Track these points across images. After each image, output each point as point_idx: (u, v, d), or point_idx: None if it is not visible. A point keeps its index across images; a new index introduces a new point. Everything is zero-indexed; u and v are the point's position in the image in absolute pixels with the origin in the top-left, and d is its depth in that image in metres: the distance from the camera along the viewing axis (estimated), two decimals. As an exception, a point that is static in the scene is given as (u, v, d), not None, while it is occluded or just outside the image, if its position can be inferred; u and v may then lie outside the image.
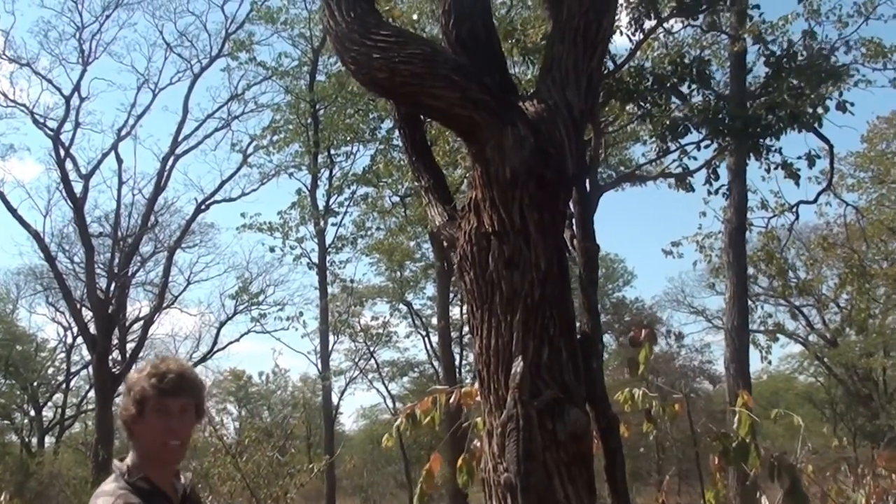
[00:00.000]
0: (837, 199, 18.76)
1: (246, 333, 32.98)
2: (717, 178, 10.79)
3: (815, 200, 15.72)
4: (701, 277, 33.17)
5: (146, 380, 3.11)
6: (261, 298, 28.21)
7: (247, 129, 26.37)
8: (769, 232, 15.66)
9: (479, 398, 4.60)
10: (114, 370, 30.94)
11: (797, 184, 10.08)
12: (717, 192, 11.01)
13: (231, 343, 35.96)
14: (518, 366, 4.29)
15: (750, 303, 16.12)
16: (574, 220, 5.06)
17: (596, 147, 5.02)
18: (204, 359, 35.25)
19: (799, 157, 9.57)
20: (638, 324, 5.36)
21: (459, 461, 4.84)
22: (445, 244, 5.15)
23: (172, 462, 3.21)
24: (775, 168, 9.48)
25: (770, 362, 17.27)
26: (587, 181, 4.88)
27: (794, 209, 15.48)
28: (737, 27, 11.80)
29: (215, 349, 33.85)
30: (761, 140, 8.64)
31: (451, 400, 5.04)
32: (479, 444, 4.70)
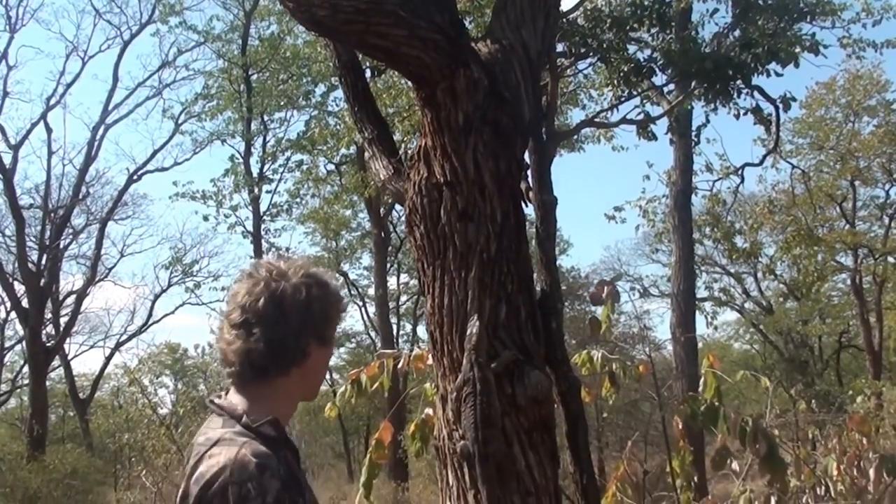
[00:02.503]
0: (784, 160, 18.60)
1: (181, 306, 32.24)
2: (679, 126, 10.49)
3: (762, 162, 15.58)
4: (637, 246, 33.11)
5: (339, 297, 2.37)
6: (195, 269, 27.50)
7: (179, 97, 25.59)
8: (714, 195, 15.52)
9: (430, 362, 4.27)
10: (47, 344, 30.16)
11: (768, 130, 9.81)
12: (695, 136, 10.70)
13: (166, 316, 35.13)
14: (474, 325, 3.96)
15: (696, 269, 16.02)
16: (530, 171, 4.73)
17: (553, 92, 4.69)
18: (139, 332, 34.47)
19: (773, 101, 9.24)
20: (601, 282, 5.14)
21: (412, 427, 4.50)
22: (391, 199, 4.79)
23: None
24: (745, 113, 9.20)
25: (716, 328, 17.20)
26: (544, 129, 4.54)
27: (739, 172, 15.34)
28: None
29: (150, 322, 33.10)
30: (732, 83, 8.34)
31: (400, 364, 4.70)
32: (430, 412, 4.38)
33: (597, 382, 5.08)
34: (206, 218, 21.46)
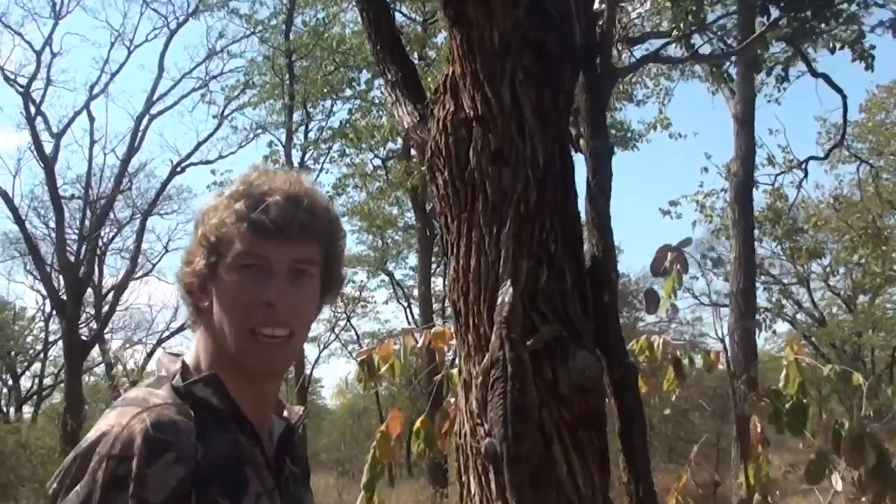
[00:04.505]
0: (850, 154, 17.46)
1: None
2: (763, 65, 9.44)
3: (827, 156, 14.63)
4: (687, 254, 31.92)
5: (229, 205, 1.69)
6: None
7: (225, 89, 25.05)
8: (776, 190, 14.52)
9: (453, 340, 3.45)
10: (84, 338, 29.78)
11: (870, 67, 8.79)
12: (782, 74, 9.70)
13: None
14: (506, 293, 3.14)
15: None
16: (580, 113, 3.90)
17: (610, 19, 3.83)
18: (181, 329, 33.94)
19: (839, 90, 8.27)
20: (664, 247, 4.32)
21: (417, 422, 3.66)
22: (415, 149, 3.95)
23: (267, 367, 1.68)
24: (841, 48, 8.23)
25: (775, 332, 16.11)
26: (598, 62, 3.70)
27: (803, 166, 14.36)
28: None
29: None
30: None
31: (420, 343, 3.86)
32: (453, 401, 3.55)
33: (657, 374, 4.22)
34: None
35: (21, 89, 27.96)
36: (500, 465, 3.01)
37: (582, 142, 3.89)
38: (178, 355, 1.72)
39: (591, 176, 3.77)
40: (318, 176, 21.34)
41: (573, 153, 3.69)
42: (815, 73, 14.61)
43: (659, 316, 3.80)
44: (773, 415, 3.74)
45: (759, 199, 15.21)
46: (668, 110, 15.98)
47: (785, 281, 30.51)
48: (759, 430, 4.04)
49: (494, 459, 3.04)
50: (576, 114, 4.06)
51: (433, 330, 3.83)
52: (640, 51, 17.11)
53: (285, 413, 1.81)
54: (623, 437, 3.51)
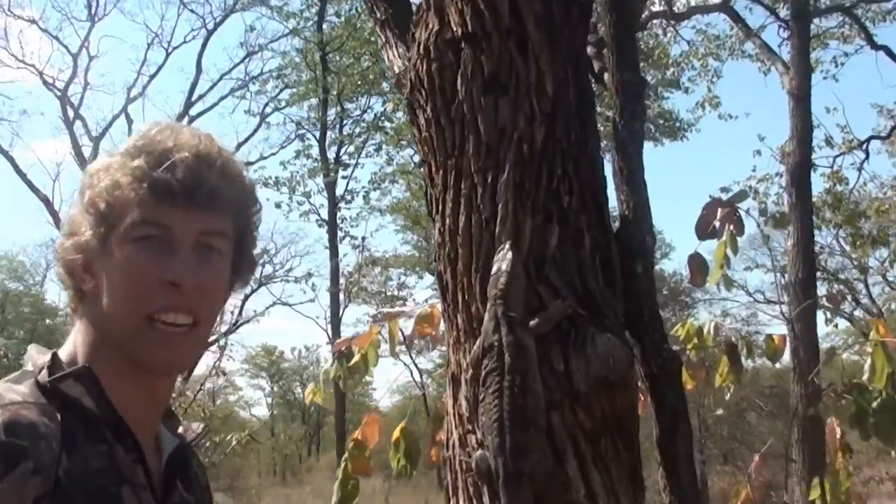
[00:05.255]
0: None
1: (271, 306, 31.03)
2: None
3: (890, 135, 13.58)
4: (741, 249, 30.62)
5: (124, 163, 1.40)
6: (265, 258, 26.20)
7: (265, 91, 24.47)
8: (835, 173, 13.52)
9: (443, 325, 2.69)
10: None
11: None
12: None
13: (257, 315, 34.02)
14: (504, 259, 2.38)
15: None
16: (604, 43, 3.12)
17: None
18: (227, 333, 33.41)
19: None
20: (713, 203, 3.58)
21: (396, 430, 2.87)
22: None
23: (166, 362, 1.41)
24: None
25: (836, 325, 15.08)
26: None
27: (864, 146, 13.36)
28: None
29: (240, 323, 32.02)
30: None
31: (410, 330, 3.08)
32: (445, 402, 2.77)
33: (705, 365, 3.41)
34: (277, 205, 20.21)
35: (59, 93, 27.80)
36: (495, 486, 2.24)
37: (606, 76, 3.10)
38: (51, 349, 1.44)
39: (618, 116, 2.98)
40: (353, 171, 20.69)
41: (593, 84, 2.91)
42: (874, 45, 13.67)
43: (707, 290, 3.01)
44: (856, 415, 2.91)
45: (817, 183, 14.23)
46: (717, 91, 15.04)
47: (841, 276, 29.23)
48: (837, 434, 3.22)
49: (488, 477, 2.27)
50: (599, 45, 3.27)
51: (418, 311, 3.05)
52: (686, 29, 16.25)
53: (180, 429, 1.54)
54: (663, 447, 2.72)
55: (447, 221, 2.58)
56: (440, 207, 2.62)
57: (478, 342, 2.37)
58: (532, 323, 2.35)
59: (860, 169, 13.34)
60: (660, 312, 2.84)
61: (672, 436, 2.70)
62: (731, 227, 2.88)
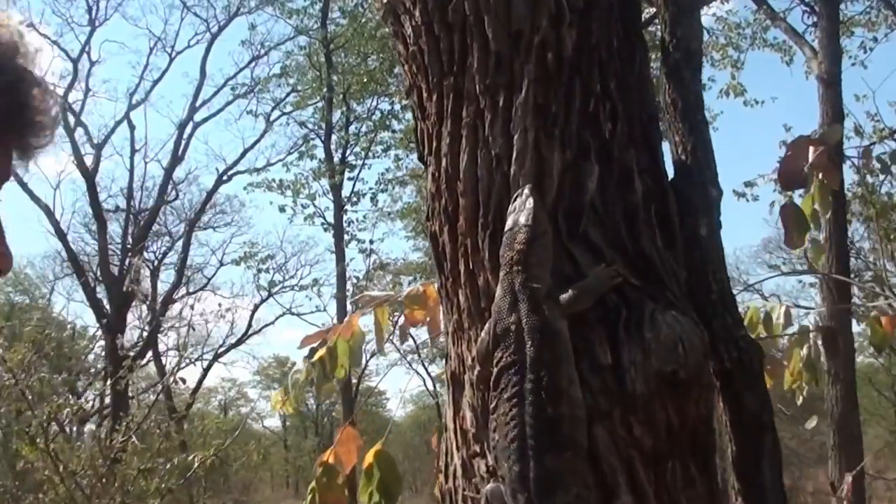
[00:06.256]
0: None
1: (281, 316, 30.21)
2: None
3: (924, 124, 12.78)
4: (756, 253, 29.63)
5: None
6: (268, 264, 25.35)
7: (270, 93, 23.76)
8: (867, 164, 12.73)
9: (440, 303, 1.96)
10: (130, 353, 28.90)
11: None
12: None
13: (266, 326, 33.19)
14: (523, 209, 1.66)
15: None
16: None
17: None
18: (237, 343, 32.79)
19: None
20: (801, 140, 2.97)
21: (369, 455, 2.09)
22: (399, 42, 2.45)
23: None
24: None
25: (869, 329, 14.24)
26: None
27: (895, 135, 12.58)
28: None
29: (249, 333, 31.28)
30: None
31: (402, 320, 2.35)
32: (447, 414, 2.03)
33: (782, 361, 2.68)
34: (282, 209, 19.47)
35: (59, 99, 27.29)
36: (515, 535, 1.52)
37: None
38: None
39: (667, 33, 2.25)
40: (359, 172, 19.94)
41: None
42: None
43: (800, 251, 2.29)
44: None
45: (847, 175, 13.45)
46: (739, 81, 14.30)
47: (868, 274, 28.27)
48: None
49: (504, 520, 1.55)
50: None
51: (408, 291, 2.31)
52: (706, 17, 15.51)
53: None
54: (742, 470, 1.99)
55: (444, 163, 1.86)
56: (434, 145, 1.91)
57: (486, 326, 1.66)
58: (565, 297, 1.63)
59: (892, 159, 12.53)
60: (731, 287, 2.12)
61: (756, 454, 1.97)
62: (821, 176, 2.15)
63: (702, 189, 2.13)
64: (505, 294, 1.64)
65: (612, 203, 1.76)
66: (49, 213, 28.00)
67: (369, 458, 2.03)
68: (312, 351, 2.35)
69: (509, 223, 1.69)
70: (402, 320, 2.38)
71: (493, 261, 1.72)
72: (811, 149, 2.10)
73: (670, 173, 2.11)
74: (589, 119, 1.80)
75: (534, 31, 1.82)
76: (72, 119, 27.96)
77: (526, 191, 1.70)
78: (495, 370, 1.60)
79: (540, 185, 1.73)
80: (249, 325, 31.28)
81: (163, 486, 8.82)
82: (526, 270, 1.63)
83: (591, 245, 1.72)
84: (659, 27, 2.37)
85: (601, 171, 1.77)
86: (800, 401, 3.00)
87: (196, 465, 9.04)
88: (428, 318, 2.25)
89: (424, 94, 1.95)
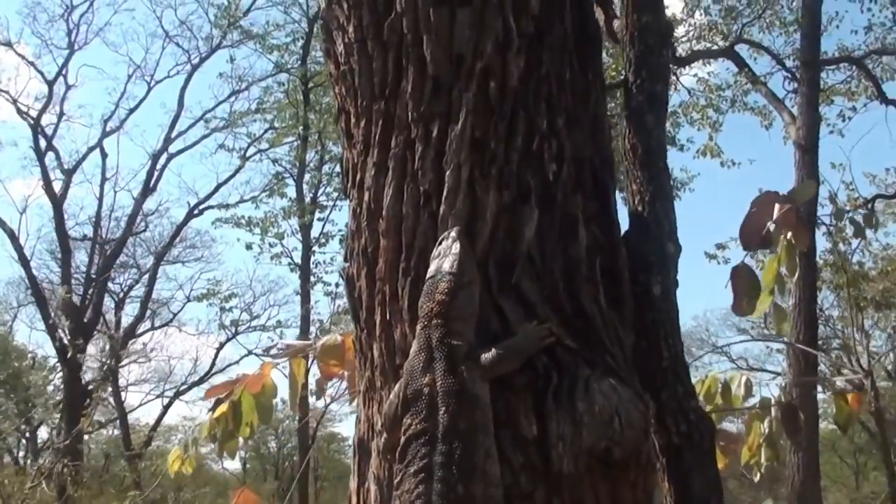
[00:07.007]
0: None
1: (246, 355, 29.65)
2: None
3: (896, 194, 12.79)
4: (726, 316, 29.60)
5: None
6: (233, 303, 24.90)
7: (248, 132, 23.51)
8: (839, 231, 12.67)
9: (355, 357, 1.73)
10: (89, 387, 28.35)
11: None
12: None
13: (230, 365, 32.60)
14: (448, 254, 1.45)
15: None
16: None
17: None
18: (200, 381, 32.22)
19: None
20: (767, 196, 2.85)
21: None
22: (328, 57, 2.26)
23: None
24: None
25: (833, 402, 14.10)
26: None
27: (869, 205, 12.54)
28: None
29: (213, 372, 30.71)
30: None
31: (316, 374, 2.11)
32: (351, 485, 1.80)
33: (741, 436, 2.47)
34: (248, 246, 19.12)
35: (32, 121, 26.86)
36: None
37: (616, 23, 2.20)
38: None
39: (631, 74, 2.06)
40: (329, 213, 19.66)
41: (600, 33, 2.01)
42: (885, 100, 12.92)
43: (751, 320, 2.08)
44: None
45: (820, 243, 13.38)
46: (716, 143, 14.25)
47: (837, 342, 28.28)
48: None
49: None
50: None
51: (324, 341, 2.08)
52: (687, 77, 15.52)
53: None
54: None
55: (366, 197, 1.65)
56: (359, 177, 1.70)
57: (396, 388, 1.44)
58: (487, 357, 1.41)
59: (865, 228, 12.47)
60: (683, 354, 1.91)
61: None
62: (791, 236, 1.96)
63: (658, 244, 1.94)
64: (420, 351, 1.43)
65: (552, 254, 1.56)
66: (13, 238, 27.47)
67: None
68: (218, 403, 2.11)
69: (432, 269, 1.48)
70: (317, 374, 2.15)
71: (413, 311, 1.51)
72: (777, 206, 1.91)
73: (624, 225, 1.92)
74: (532, 158, 1.60)
75: (477, 57, 1.63)
76: (43, 143, 27.56)
77: (454, 233, 1.50)
78: (403, 438, 1.38)
79: (471, 229, 1.53)
80: (213, 364, 30.74)
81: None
82: (446, 325, 1.42)
83: (523, 299, 1.51)
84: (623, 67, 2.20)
85: (541, 218, 1.57)
86: (757, 478, 2.78)
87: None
88: (345, 374, 2.03)
89: (352, 120, 1.75)
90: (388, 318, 1.57)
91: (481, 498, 1.32)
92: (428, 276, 1.48)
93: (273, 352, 2.24)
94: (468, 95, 1.61)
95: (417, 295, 1.50)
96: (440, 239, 1.51)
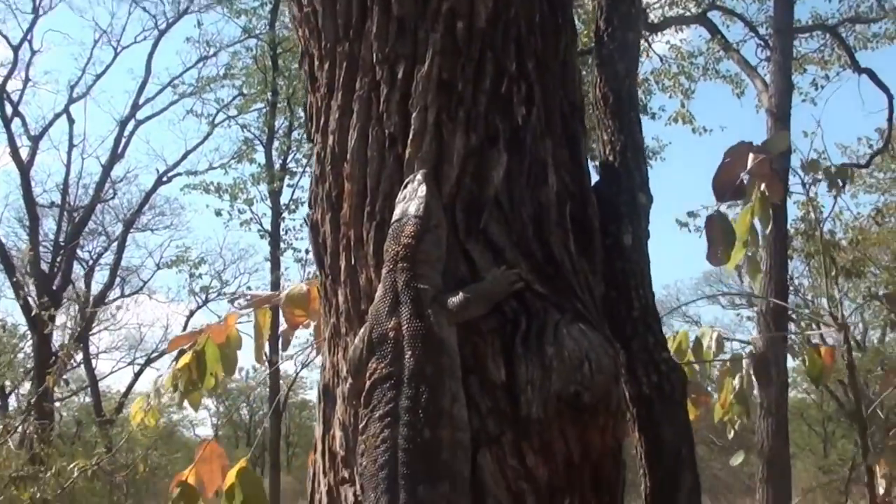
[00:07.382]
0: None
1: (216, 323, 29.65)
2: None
3: (868, 164, 12.87)
4: (697, 285, 29.81)
5: None
6: (203, 269, 24.73)
7: (216, 97, 23.23)
8: (811, 200, 12.72)
9: (320, 304, 1.70)
10: (59, 354, 28.02)
11: None
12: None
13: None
14: (414, 197, 1.41)
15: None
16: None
17: None
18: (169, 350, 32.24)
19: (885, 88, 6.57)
20: (740, 147, 2.82)
21: (231, 474, 1.80)
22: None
23: None
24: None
25: (805, 361, 14.23)
26: None
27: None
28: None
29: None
30: None
31: (286, 323, 2.08)
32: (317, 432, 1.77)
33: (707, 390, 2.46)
34: (218, 213, 18.96)
35: (-3, 87, 26.45)
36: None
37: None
38: None
39: (602, 20, 2.03)
40: (299, 179, 19.52)
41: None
42: (858, 68, 12.93)
43: (724, 269, 2.08)
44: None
45: (791, 211, 13.43)
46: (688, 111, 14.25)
47: (807, 312, 28.46)
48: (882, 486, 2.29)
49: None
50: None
51: (289, 290, 2.05)
52: (660, 44, 15.48)
53: None
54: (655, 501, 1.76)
55: (330, 141, 1.61)
56: (323, 121, 1.65)
57: (361, 332, 1.40)
58: (455, 301, 1.38)
59: (836, 197, 12.52)
60: (655, 304, 1.89)
61: (672, 493, 1.73)
62: (764, 187, 1.93)
63: (629, 194, 1.91)
64: (385, 294, 1.39)
65: (521, 199, 1.53)
66: (-23, 206, 27.06)
67: (231, 477, 1.76)
68: (181, 354, 2.07)
69: (397, 213, 1.44)
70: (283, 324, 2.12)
71: (379, 256, 1.48)
72: (751, 157, 1.88)
73: (595, 175, 1.89)
74: (500, 101, 1.56)
75: (442, -3, 1.58)
76: (9, 109, 27.15)
77: (420, 177, 1.46)
78: (368, 383, 1.35)
79: (437, 172, 1.49)
80: (184, 331, 30.55)
81: (38, 495, 8.29)
82: (412, 268, 1.39)
83: (491, 244, 1.47)
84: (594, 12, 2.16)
85: (510, 162, 1.53)
86: (731, 435, 2.78)
87: (76, 474, 8.57)
88: (311, 323, 1.99)
89: (316, 62, 1.70)
90: (353, 263, 1.54)
91: (448, 442, 1.29)
92: (393, 219, 1.44)
93: (238, 302, 2.20)
94: (435, 36, 1.57)
95: (383, 240, 1.46)
96: (406, 182, 1.48)
